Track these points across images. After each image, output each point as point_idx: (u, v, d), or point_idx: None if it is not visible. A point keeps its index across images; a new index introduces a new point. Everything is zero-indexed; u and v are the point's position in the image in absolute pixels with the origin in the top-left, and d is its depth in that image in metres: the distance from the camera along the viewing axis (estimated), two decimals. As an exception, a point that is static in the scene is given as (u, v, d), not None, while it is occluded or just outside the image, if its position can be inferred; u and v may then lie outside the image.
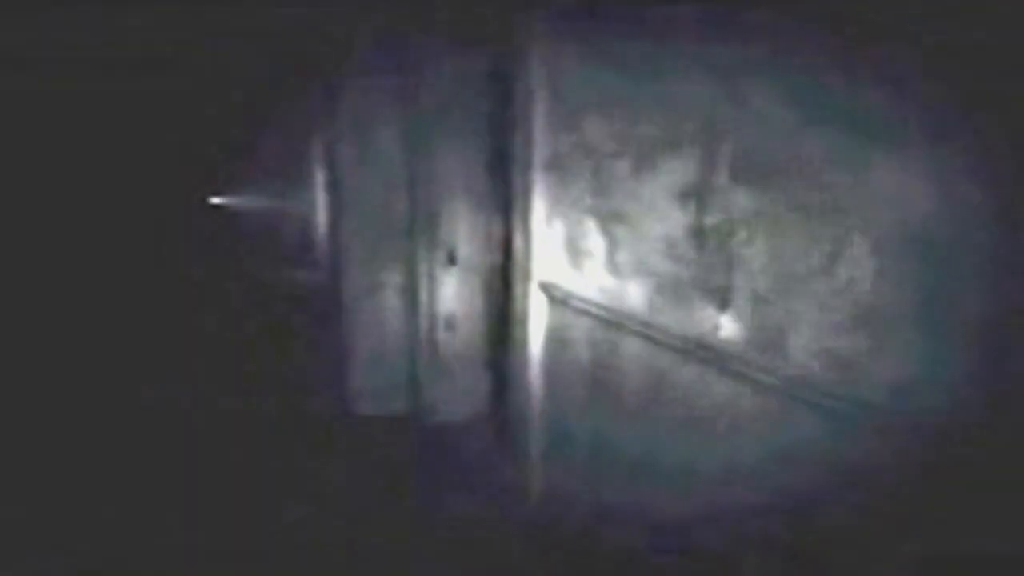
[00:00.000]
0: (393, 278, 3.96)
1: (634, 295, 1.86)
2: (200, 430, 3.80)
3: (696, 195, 1.57)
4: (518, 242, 2.48)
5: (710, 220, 1.54)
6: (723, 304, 1.53)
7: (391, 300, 3.98)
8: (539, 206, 2.33)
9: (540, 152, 2.30)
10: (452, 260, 3.82)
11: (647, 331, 1.81)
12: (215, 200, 10.41)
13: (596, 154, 1.98)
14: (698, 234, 1.58)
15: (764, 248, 1.41)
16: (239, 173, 9.02)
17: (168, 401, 4.20)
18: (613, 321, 1.95)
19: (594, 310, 2.04)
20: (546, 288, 2.34)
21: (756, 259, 1.43)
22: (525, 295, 2.44)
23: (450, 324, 3.86)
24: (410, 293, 3.92)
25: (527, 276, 2.41)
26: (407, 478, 3.25)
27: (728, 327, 1.52)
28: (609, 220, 1.94)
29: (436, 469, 3.37)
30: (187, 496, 3.05)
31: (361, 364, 4.02)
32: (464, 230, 3.82)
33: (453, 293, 3.85)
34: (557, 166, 2.23)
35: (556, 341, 2.34)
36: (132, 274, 8.10)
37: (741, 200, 1.44)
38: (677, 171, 1.64)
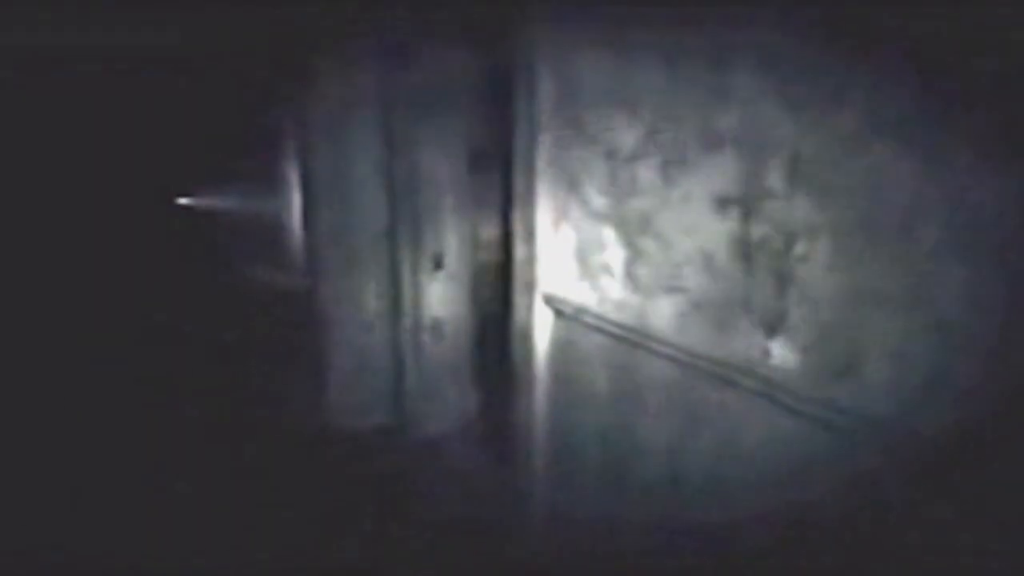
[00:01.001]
0: (374, 283, 3.70)
1: (660, 313, 1.66)
2: (164, 446, 3.49)
3: (741, 203, 1.38)
4: (519, 250, 2.26)
5: (758, 231, 1.35)
6: (773, 328, 1.34)
7: (373, 307, 3.72)
8: (545, 211, 2.12)
9: (547, 151, 2.08)
10: (438, 265, 3.58)
11: (675, 353, 1.62)
12: (182, 201, 9.91)
13: (616, 154, 1.77)
14: (743, 247, 1.39)
15: (825, 266, 1.22)
16: (207, 173, 8.57)
17: (127, 415, 3.87)
18: (634, 341, 1.75)
19: (611, 328, 1.84)
20: (551, 301, 2.12)
21: (815, 278, 1.24)
22: (529, 308, 2.22)
23: (437, 332, 3.63)
24: (393, 299, 3.67)
25: (531, 287, 2.20)
26: (391, 497, 3.02)
27: (780, 354, 1.33)
28: (630, 228, 1.74)
29: (423, 486, 3.14)
30: (153, 517, 2.76)
31: (340, 375, 3.76)
32: (451, 233, 3.58)
33: (439, 299, 3.62)
34: (566, 166, 2.01)
35: (564, 359, 2.13)
36: (93, 276, 7.61)
37: (799, 210, 1.25)
38: (716, 175, 1.44)
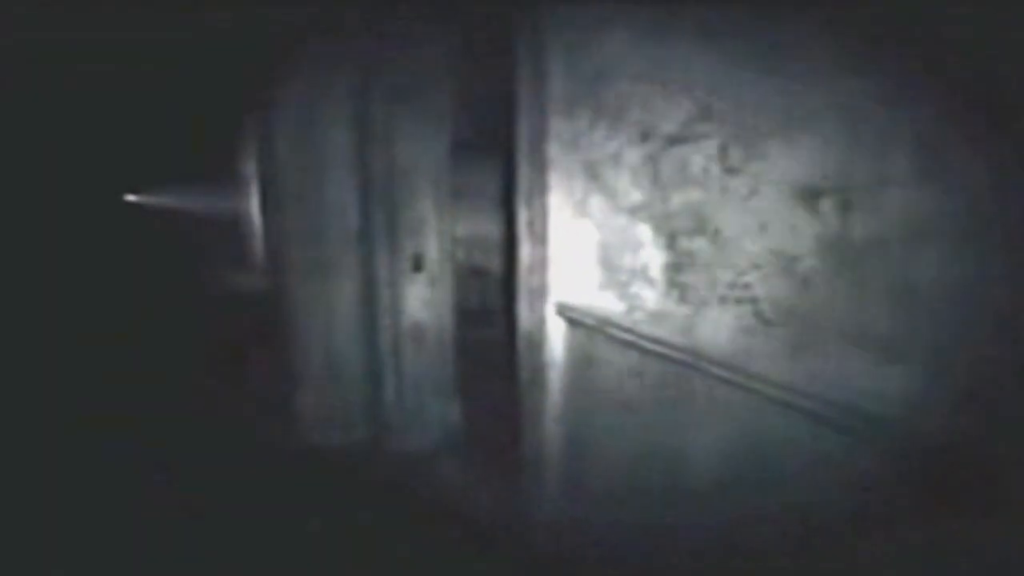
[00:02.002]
0: (347, 287, 3.33)
1: (713, 327, 1.39)
2: (120, 466, 3.05)
3: (838, 194, 1.11)
4: (525, 251, 1.95)
5: (863, 229, 1.08)
6: (883, 350, 1.08)
7: (346, 312, 3.35)
8: (558, 206, 1.82)
9: (559, 137, 1.78)
10: (418, 266, 3.24)
11: (733, 376, 1.35)
12: (130, 198, 9.15)
13: (654, 137, 1.48)
14: (839, 249, 1.12)
15: (954, 274, 0.96)
16: (158, 168, 7.89)
17: (76, 429, 3.39)
18: (678, 360, 1.47)
19: (646, 343, 1.55)
20: (566, 310, 1.83)
21: (941, 289, 0.98)
22: (537, 317, 1.92)
23: (417, 339, 3.29)
24: (369, 304, 3.31)
25: (539, 294, 1.89)
26: (370, 517, 2.68)
27: (873, 380, 1.07)
28: (675, 226, 1.46)
29: (404, 506, 2.81)
30: (110, 542, 2.35)
31: (312, 387, 3.39)
32: (432, 231, 3.25)
33: (420, 303, 3.28)
34: (585, 154, 1.71)
35: (582, 377, 1.84)
36: (40, 277, 6.89)
37: (922, 203, 0.99)
38: (800, 160, 1.17)
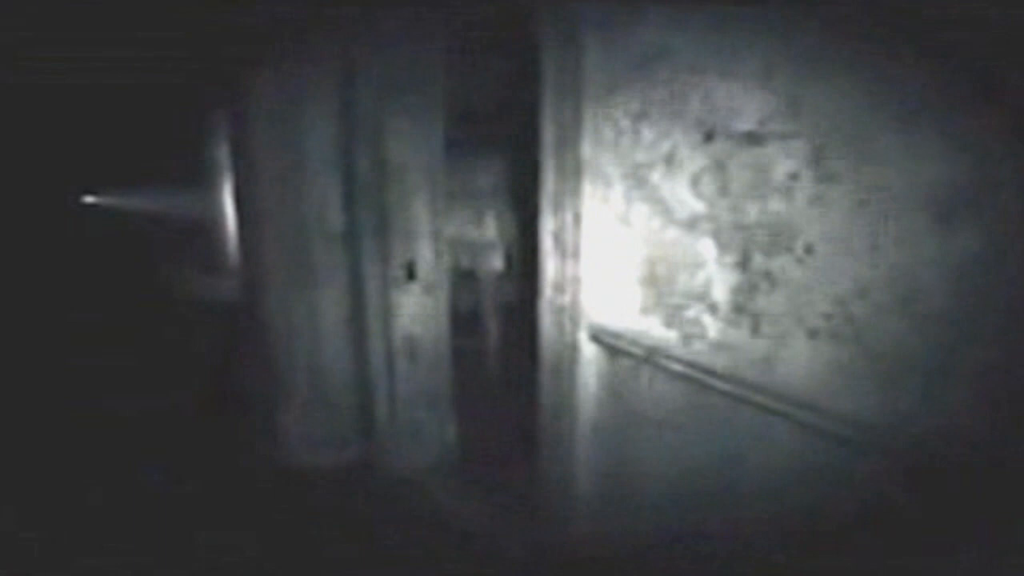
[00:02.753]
0: (332, 296, 3.04)
1: (796, 362, 1.17)
2: (81, 495, 2.71)
3: (950, 211, 0.90)
4: (550, 266, 1.71)
5: (976, 254, 0.87)
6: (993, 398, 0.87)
7: (332, 324, 3.06)
8: (594, 216, 1.57)
9: (594, 138, 1.54)
10: (411, 274, 2.97)
11: (816, 420, 1.13)
12: (88, 199, 8.54)
13: (721, 136, 1.25)
14: (950, 277, 0.91)
15: None
16: (119, 167, 7.34)
17: (31, 446, 3.01)
18: (750, 399, 1.25)
19: (710, 379, 1.33)
20: (603, 336, 1.59)
21: None
22: (566, 342, 1.68)
23: (411, 352, 3.02)
24: (357, 315, 3.03)
25: (569, 316, 1.65)
26: (360, 543, 2.42)
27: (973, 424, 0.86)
28: (750, 241, 1.23)
29: (396, 530, 2.56)
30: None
31: (297, 404, 3.09)
32: (426, 236, 2.97)
33: (413, 315, 3.01)
34: (626, 156, 1.48)
35: (622, 413, 1.60)
36: None
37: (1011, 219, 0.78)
38: (927, 164, 0.95)
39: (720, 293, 1.30)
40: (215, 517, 2.60)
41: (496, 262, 3.90)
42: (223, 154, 3.36)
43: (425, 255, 2.98)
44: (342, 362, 3.10)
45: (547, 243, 1.69)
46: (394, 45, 2.75)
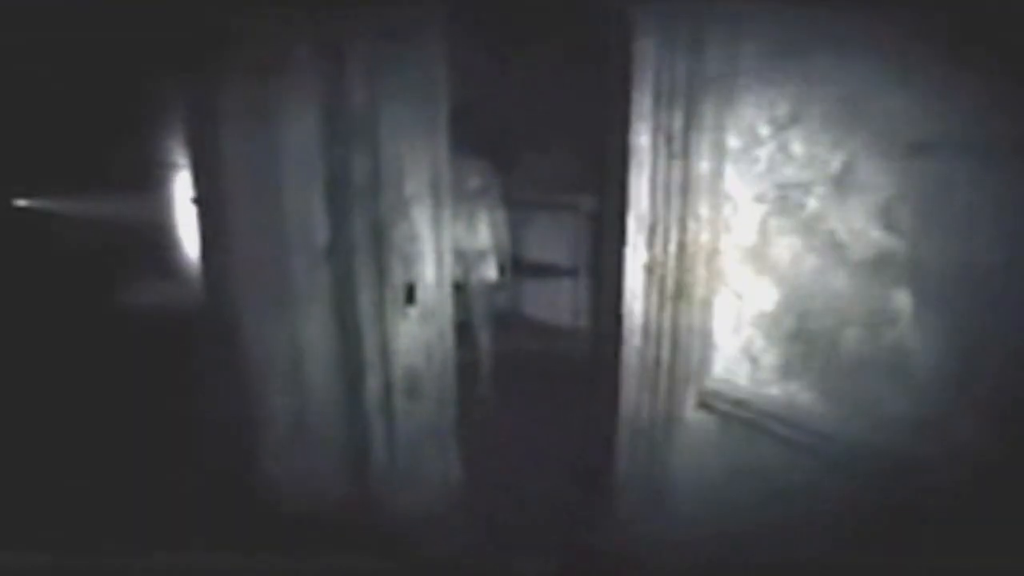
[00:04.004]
0: (314, 321, 2.58)
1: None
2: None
3: None
4: (639, 309, 1.37)
5: None
6: None
7: (314, 353, 2.60)
8: (706, 248, 1.25)
9: (711, 148, 1.21)
10: (410, 297, 2.55)
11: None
12: (20, 203, 7.40)
13: (898, 152, 0.95)
14: None
15: None
16: (55, 166, 6.33)
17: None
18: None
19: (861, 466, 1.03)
20: (717, 401, 1.27)
21: None
22: (663, 402, 1.35)
23: (412, 390, 2.61)
24: (347, 345, 2.59)
25: (672, 373, 1.32)
26: None
27: None
28: (947, 291, 0.94)
29: None
30: None
31: (276, 443, 2.61)
32: (428, 252, 2.57)
33: (414, 345, 2.60)
34: (761, 177, 1.16)
35: (737, 488, 1.29)
36: None
37: None
38: None
39: (919, 359, 1.00)
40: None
41: (489, 271, 3.54)
42: (173, 151, 2.83)
43: (426, 275, 2.58)
44: (329, 398, 2.65)
45: (637, 279, 1.36)
46: (391, 27, 2.33)
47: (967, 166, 0.90)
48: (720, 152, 1.20)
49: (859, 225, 1.05)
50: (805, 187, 1.10)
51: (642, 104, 1.28)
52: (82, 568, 2.33)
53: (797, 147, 1.11)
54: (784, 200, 1.13)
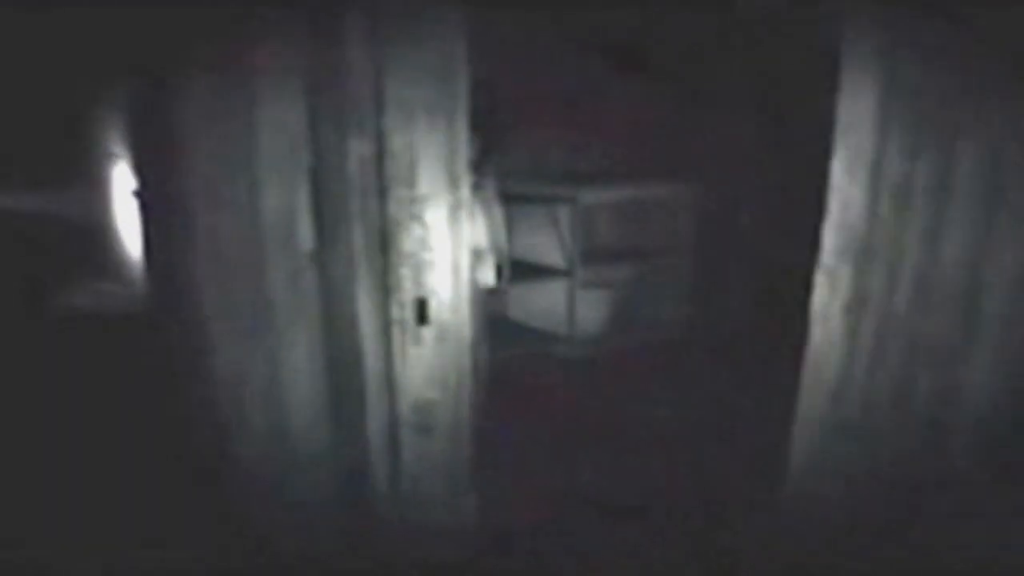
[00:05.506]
0: (303, 343, 2.12)
1: None
2: None
3: None
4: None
5: None
6: None
7: (304, 381, 2.15)
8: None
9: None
10: (422, 316, 2.11)
11: None
12: None
13: None
14: None
15: None
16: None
17: None
18: None
19: None
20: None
21: None
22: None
23: (424, 425, 2.20)
24: (343, 371, 2.15)
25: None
26: None
27: None
28: None
29: None
30: None
31: (255, 480, 2.17)
32: (443, 261, 2.12)
33: (426, 372, 2.17)
34: None
35: None
36: None
37: None
38: None
39: None
40: None
41: (487, 275, 3.08)
42: (113, 141, 2.24)
43: (441, 288, 2.14)
44: (319, 431, 2.21)
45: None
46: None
47: None
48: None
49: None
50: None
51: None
52: None
53: None
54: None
